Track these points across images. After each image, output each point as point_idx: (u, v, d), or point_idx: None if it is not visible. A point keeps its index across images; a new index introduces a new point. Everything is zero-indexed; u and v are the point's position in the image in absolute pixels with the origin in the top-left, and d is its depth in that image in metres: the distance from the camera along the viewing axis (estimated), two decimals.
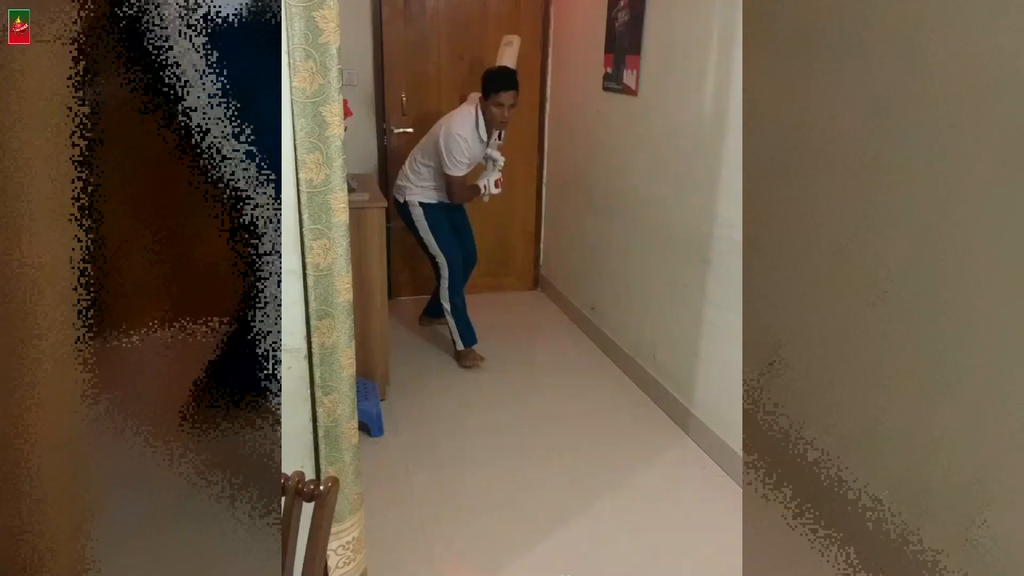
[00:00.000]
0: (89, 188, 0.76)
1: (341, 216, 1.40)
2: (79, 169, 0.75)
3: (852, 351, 0.76)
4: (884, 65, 0.68)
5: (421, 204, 3.10)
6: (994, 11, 0.60)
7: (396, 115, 3.77)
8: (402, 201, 3.13)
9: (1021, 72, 0.59)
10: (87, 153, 0.76)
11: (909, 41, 0.66)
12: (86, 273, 0.76)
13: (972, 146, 0.62)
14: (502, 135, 3.15)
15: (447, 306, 3.20)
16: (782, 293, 0.80)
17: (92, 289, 0.77)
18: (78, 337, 0.77)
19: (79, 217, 0.75)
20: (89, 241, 0.76)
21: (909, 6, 0.66)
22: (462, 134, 2.91)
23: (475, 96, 3.03)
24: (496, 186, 3.11)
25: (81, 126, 0.76)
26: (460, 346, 3.22)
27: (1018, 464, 0.63)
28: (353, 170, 3.50)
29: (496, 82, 2.90)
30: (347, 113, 2.31)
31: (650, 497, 2.31)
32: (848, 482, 0.75)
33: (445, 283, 3.19)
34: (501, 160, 3.10)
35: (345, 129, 1.39)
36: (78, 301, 0.76)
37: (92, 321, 0.77)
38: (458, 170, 2.96)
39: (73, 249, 0.75)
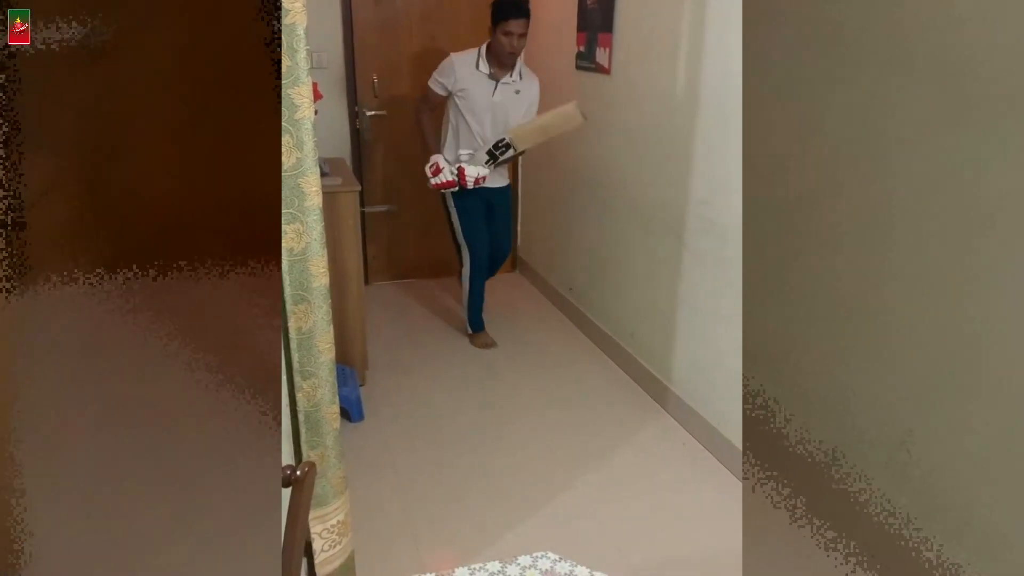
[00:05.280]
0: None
1: (314, 200, 1.38)
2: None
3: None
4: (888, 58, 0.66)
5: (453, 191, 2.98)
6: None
7: (368, 98, 3.72)
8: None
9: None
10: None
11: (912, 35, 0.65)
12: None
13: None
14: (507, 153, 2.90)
15: (466, 285, 3.22)
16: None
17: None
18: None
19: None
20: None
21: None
22: (455, 58, 2.86)
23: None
24: (464, 177, 2.90)
25: None
26: (468, 329, 3.31)
27: None
28: (325, 154, 3.46)
29: (504, 9, 2.74)
30: (317, 96, 2.27)
31: (631, 472, 2.34)
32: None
33: (467, 270, 3.19)
34: (485, 171, 2.93)
35: (316, 112, 1.38)
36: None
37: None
38: (432, 82, 2.91)
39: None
